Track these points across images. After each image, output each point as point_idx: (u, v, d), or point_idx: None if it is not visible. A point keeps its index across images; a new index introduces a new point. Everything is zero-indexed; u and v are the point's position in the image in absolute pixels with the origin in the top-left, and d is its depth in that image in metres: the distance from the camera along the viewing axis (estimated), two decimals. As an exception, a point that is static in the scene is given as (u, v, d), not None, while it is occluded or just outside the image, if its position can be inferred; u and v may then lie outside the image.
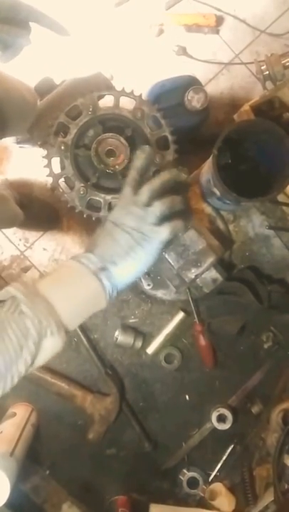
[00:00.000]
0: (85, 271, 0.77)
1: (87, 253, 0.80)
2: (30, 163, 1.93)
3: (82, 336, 1.19)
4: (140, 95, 0.99)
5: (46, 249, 1.97)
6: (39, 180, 1.94)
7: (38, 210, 1.82)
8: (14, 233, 1.97)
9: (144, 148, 0.85)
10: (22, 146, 1.55)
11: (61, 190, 0.99)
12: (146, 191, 0.83)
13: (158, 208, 0.82)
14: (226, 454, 1.22)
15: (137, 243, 0.80)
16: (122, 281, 0.81)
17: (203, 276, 1.08)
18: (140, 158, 0.85)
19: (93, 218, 1.01)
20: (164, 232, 0.83)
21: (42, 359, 0.72)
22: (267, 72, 1.42)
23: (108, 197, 0.99)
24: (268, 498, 1.11)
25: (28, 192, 1.92)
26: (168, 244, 0.97)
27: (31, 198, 1.85)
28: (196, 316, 1.15)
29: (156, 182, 0.85)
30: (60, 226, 1.95)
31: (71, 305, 0.75)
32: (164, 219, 0.83)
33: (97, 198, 1.00)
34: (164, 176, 0.85)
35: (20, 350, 0.66)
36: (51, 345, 0.71)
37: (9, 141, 1.50)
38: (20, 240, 1.97)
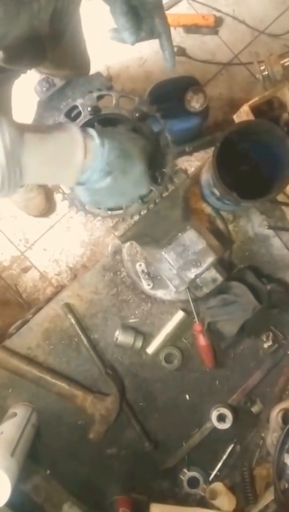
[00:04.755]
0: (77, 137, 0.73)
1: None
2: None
3: (82, 336, 1.19)
4: (140, 95, 0.99)
5: (46, 249, 1.97)
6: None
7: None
8: (14, 233, 1.97)
9: None
10: None
11: (61, 191, 0.99)
12: None
13: None
14: (226, 453, 1.22)
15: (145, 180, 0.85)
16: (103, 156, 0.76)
17: (203, 276, 1.08)
18: None
19: (94, 219, 1.01)
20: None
21: None
22: (266, 73, 1.43)
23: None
24: (268, 497, 1.12)
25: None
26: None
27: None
28: (195, 315, 1.15)
29: None
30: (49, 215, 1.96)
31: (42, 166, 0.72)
32: None
33: (97, 199, 1.00)
34: None
35: None
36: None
37: None
38: (20, 240, 1.97)
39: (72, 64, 1.29)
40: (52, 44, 0.94)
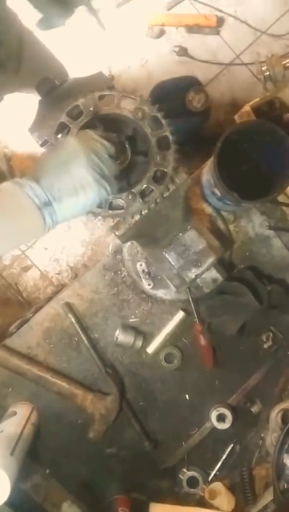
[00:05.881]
0: (28, 204, 0.72)
1: (34, 182, 0.74)
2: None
3: (82, 336, 1.19)
4: (141, 95, 1.00)
5: (47, 248, 1.98)
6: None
7: None
8: (15, 233, 1.97)
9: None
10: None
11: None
12: (112, 145, 0.85)
13: (116, 165, 0.84)
14: (226, 453, 1.22)
15: (93, 181, 0.77)
16: (64, 217, 0.77)
17: (203, 276, 1.08)
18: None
19: (94, 218, 1.01)
20: (116, 185, 0.83)
21: None
22: (267, 73, 1.43)
23: (109, 196, 1.00)
24: (268, 497, 1.12)
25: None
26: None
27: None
28: (196, 315, 1.15)
29: None
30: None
31: (7, 235, 0.72)
32: (116, 177, 0.85)
33: (98, 198, 1.00)
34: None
35: None
36: None
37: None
38: (20, 239, 1.97)
39: (40, 73, 1.29)
40: (10, 63, 0.94)
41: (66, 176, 0.76)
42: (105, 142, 0.84)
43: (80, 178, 0.76)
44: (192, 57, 2.06)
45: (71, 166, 0.76)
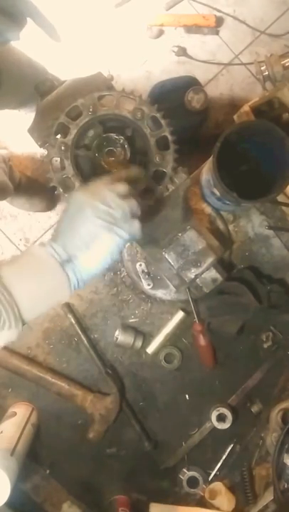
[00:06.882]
0: (51, 262, 0.74)
1: (52, 242, 0.76)
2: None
3: (82, 336, 1.19)
4: (140, 96, 1.00)
5: (46, 249, 1.98)
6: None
7: (34, 191, 1.85)
8: (14, 233, 1.97)
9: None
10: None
11: (61, 190, 0.99)
12: (124, 184, 0.83)
13: (133, 202, 0.82)
14: (226, 453, 1.22)
15: (102, 231, 0.77)
16: (88, 273, 0.78)
17: (203, 276, 1.08)
18: (136, 170, 0.88)
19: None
20: (136, 225, 0.81)
21: None
22: (266, 73, 1.43)
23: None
24: (268, 497, 1.12)
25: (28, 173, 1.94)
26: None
27: (30, 179, 1.88)
28: (195, 315, 1.15)
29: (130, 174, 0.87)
30: (54, 208, 1.98)
31: (33, 297, 0.73)
32: (133, 216, 0.82)
33: (98, 198, 1.00)
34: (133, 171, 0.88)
35: None
36: (6, 337, 0.70)
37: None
38: (20, 239, 1.97)
39: (23, 86, 1.29)
40: None
41: (75, 234, 0.77)
42: (115, 186, 0.82)
43: (88, 233, 0.77)
44: (191, 57, 2.06)
45: (77, 222, 0.77)
